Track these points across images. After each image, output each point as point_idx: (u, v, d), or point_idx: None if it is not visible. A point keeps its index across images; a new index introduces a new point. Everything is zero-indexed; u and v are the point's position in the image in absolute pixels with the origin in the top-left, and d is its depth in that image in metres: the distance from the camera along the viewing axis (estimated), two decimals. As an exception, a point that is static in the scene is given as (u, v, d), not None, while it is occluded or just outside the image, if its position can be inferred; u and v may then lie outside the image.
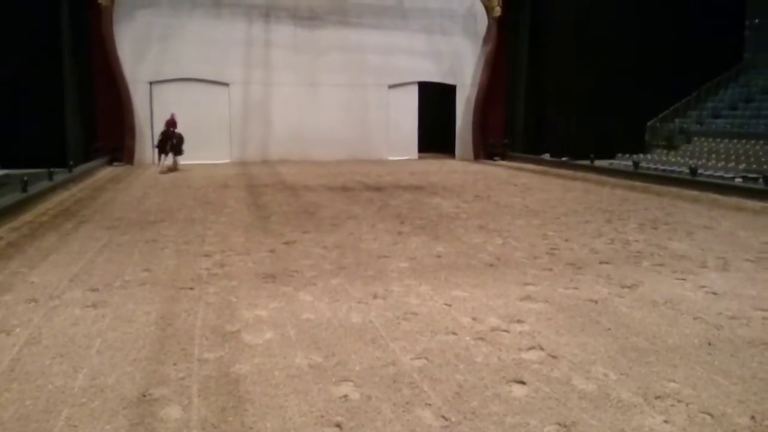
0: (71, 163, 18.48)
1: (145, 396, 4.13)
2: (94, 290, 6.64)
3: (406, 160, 26.76)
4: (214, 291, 6.65)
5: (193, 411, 3.93)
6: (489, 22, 26.76)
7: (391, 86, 26.95)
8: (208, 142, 24.48)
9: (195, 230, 10.29)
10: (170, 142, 21.09)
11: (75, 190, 15.62)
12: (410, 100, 27.31)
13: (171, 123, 21.31)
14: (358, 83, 26.47)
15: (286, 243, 9.25)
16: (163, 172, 20.30)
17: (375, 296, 6.50)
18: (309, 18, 25.79)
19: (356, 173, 20.45)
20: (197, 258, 8.25)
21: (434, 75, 27.39)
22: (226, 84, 25.10)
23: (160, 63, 24.06)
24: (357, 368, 4.62)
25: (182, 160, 22.27)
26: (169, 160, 21.34)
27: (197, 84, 24.59)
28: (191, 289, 6.74)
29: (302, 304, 6.21)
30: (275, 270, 7.59)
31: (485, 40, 27.03)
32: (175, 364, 4.66)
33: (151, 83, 24.10)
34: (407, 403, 4.07)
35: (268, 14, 25.37)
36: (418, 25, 26.88)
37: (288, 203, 13.57)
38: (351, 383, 4.35)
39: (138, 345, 5.05)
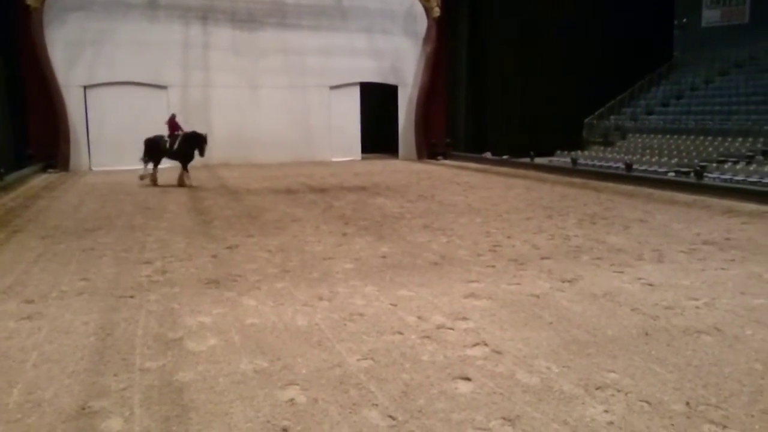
0: (2, 171, 17.78)
1: (84, 409, 4.01)
2: (29, 302, 6.41)
3: (350, 161, 26.74)
4: (156, 298, 6.51)
5: (135, 422, 3.84)
6: (429, 22, 26.97)
7: (332, 87, 26.89)
8: (147, 147, 23.97)
9: (135, 237, 10.05)
10: (202, 145, 16.92)
11: (6, 199, 15.05)
12: (352, 100, 27.29)
13: (174, 125, 17.83)
14: (299, 85, 26.31)
15: (228, 247, 9.13)
16: (185, 185, 17.20)
17: (320, 298, 6.47)
18: (248, 20, 25.51)
19: (299, 175, 20.34)
20: (137, 265, 8.07)
21: (375, 75, 27.45)
22: (163, 87, 24.61)
23: (94, 66, 23.41)
24: (303, 371, 4.59)
25: (119, 166, 21.73)
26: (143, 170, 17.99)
27: (134, 87, 24.02)
28: (131, 297, 6.58)
29: (246, 308, 6.14)
30: (218, 275, 7.48)
31: (425, 40, 27.22)
32: (115, 375, 4.55)
33: (85, 87, 23.43)
34: (354, 404, 4.07)
35: (205, 17, 24.99)
36: (357, 26, 26.89)
37: (230, 207, 13.40)
38: (297, 387, 4.33)
39: (76, 357, 4.91)
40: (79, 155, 23.25)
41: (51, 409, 4.01)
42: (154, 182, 17.56)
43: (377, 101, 28.68)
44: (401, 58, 27.68)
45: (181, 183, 17.34)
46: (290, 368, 4.65)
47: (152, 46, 23.94)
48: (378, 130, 29.24)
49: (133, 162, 22.93)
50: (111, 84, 23.70)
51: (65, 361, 4.81)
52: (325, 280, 7.23)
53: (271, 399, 4.14)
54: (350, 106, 27.25)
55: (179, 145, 17.12)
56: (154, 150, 17.52)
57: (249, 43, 25.48)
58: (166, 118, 18.36)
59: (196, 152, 17.14)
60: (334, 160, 26.61)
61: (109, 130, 23.54)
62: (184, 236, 10.07)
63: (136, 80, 24.02)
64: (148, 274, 7.59)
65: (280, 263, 8.11)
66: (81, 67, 23.22)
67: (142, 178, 17.92)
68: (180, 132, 17.50)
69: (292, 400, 4.13)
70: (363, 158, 27.59)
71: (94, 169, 23.27)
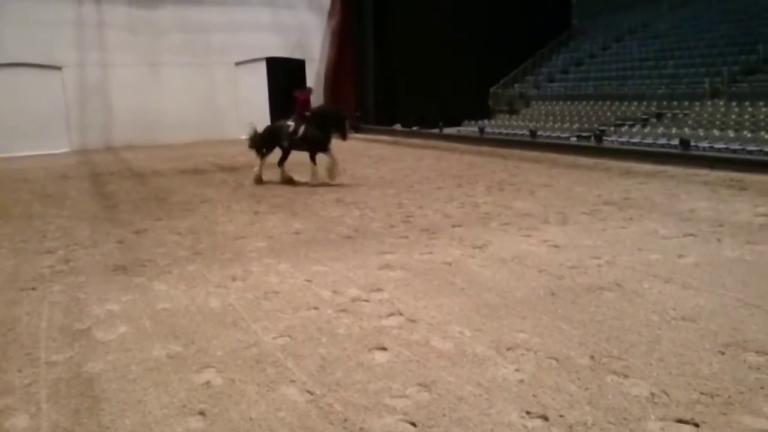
0: None
1: (-14, 408, 3.83)
2: None
3: (260, 138, 26.32)
4: (60, 289, 6.25)
5: (43, 417, 3.70)
6: (333, -6, 26.73)
7: (237, 63, 26.35)
8: (43, 131, 22.85)
9: (34, 226, 9.59)
10: (341, 124, 12.93)
11: None
12: (259, 76, 26.86)
13: (305, 100, 13.75)
14: (203, 62, 25.62)
15: (136, 232, 8.85)
16: (328, 179, 12.80)
17: (234, 279, 6.39)
18: (145, -3, 24.59)
19: (208, 155, 19.88)
20: (38, 256, 7.71)
21: (281, 50, 27.05)
22: (57, 68, 23.40)
23: (-22, 47, 22.02)
24: (218, 353, 4.53)
25: (14, 152, 20.59)
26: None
27: (24, 68, 22.74)
28: (33, 289, 6.29)
29: (157, 293, 5.99)
30: (126, 261, 7.25)
31: (330, 13, 27.01)
32: (19, 371, 4.35)
33: (-31, 69, 22.02)
34: (271, 382, 4.06)
35: (99, -7, 23.91)
36: (260, 0, 26.35)
37: (136, 190, 12.96)
38: (213, 369, 4.27)
39: (-25, 355, 4.66)
40: (-34, 143, 21.90)
41: (-51, 412, 3.81)
42: (258, 180, 13.33)
43: (285, 76, 28.25)
44: (307, 32, 27.39)
45: (332, 176, 12.84)
46: (205, 351, 4.58)
47: (43, 25, 22.70)
48: (287, 106, 28.79)
49: (30, 147, 21.89)
50: (-2, 65, 22.37)
51: (-37, 361, 4.56)
52: (238, 260, 7.13)
53: (187, 383, 4.07)
54: (257, 82, 26.83)
55: (307, 128, 12.88)
56: (270, 140, 13.50)
57: (147, 20, 24.59)
58: (300, 92, 14.03)
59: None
60: (244, 137, 26.03)
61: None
62: (87, 223, 9.68)
63: (26, 61, 22.73)
64: (50, 264, 7.27)
65: (191, 245, 7.94)
66: (-37, 48, 21.79)
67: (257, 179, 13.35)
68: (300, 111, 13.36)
69: (208, 382, 4.07)
70: (273, 135, 27.18)
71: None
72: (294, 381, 4.05)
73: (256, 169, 13.45)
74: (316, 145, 12.82)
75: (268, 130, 13.82)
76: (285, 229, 8.72)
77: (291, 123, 13.19)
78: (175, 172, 15.83)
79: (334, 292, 5.86)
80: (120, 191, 12.94)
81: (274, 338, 4.78)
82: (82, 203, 11.61)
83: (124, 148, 23.24)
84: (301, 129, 12.88)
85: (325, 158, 12.84)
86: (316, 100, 27.27)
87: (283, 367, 4.28)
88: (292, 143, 13.11)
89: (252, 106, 26.63)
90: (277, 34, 26.77)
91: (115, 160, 19.58)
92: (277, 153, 13.55)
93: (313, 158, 12.91)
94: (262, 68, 26.92)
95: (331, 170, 12.75)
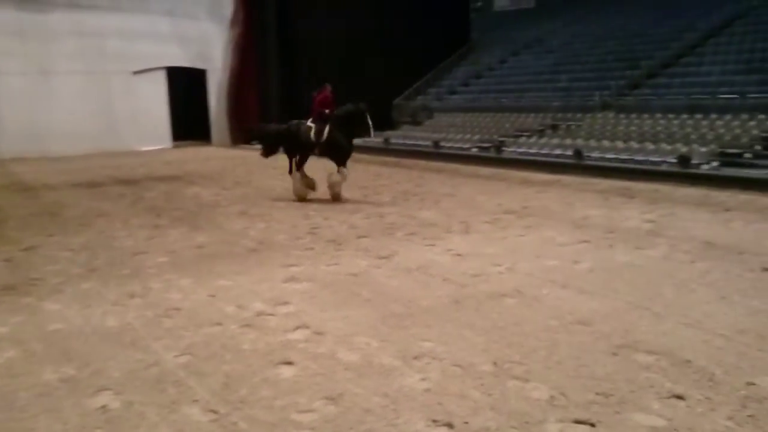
0: None
1: None
2: None
3: (160, 149, 25.56)
4: (-61, 312, 5.83)
5: None
6: (235, 4, 26.35)
7: (135, 72, 25.48)
8: None
9: None
10: (364, 123, 11.39)
11: None
12: (158, 86, 26.07)
13: (324, 99, 12.23)
14: (98, 70, 24.60)
15: (25, 249, 8.36)
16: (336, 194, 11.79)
17: (132, 296, 6.14)
18: (34, 0, 23.36)
19: (105, 167, 19.08)
20: None
21: (182, 60, 26.37)
22: (-66, 75, 21.93)
23: None
24: (116, 375, 4.34)
25: None
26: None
27: None
28: None
29: (48, 314, 5.68)
30: (14, 280, 6.83)
31: (232, 23, 26.62)
32: None
33: None
34: (173, 402, 3.92)
35: (-20, -4, 22.57)
36: (160, 9, 25.66)
37: (26, 205, 12.27)
38: (110, 391, 4.08)
39: None
40: None
41: None
42: (302, 192, 11.98)
43: (186, 86, 27.63)
44: (208, 42, 26.88)
45: (335, 194, 11.76)
46: (101, 373, 4.38)
47: None
48: (189, 117, 28.18)
49: None
50: None
51: None
52: (137, 276, 6.87)
53: (80, 408, 3.87)
54: (157, 92, 26.04)
55: (332, 131, 11.60)
56: (288, 143, 12.16)
57: (37, 25, 23.38)
58: (318, 91, 12.41)
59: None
60: (143, 149, 25.28)
61: None
62: (-29, 241, 9.08)
63: None
64: (-72, 286, 6.77)
65: (86, 262, 7.59)
66: None
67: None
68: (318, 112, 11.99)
69: (104, 406, 3.89)
70: (174, 146, 26.48)
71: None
72: (197, 400, 3.93)
73: (295, 183, 12.04)
74: (342, 153, 11.72)
75: (284, 130, 12.33)
76: (187, 243, 8.49)
77: (310, 124, 11.88)
78: (69, 185, 15.09)
79: (239, 306, 5.74)
80: (7, 206, 12.20)
81: (175, 357, 4.63)
82: (-35, 219, 10.89)
83: (13, 160, 21.92)
84: (326, 132, 11.59)
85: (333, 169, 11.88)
86: (220, 110, 26.92)
87: (185, 386, 4.14)
88: (315, 147, 11.84)
89: (151, 116, 25.87)
90: (177, 43, 26.11)
91: (2, 173, 18.47)
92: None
93: (339, 164, 11.77)
94: (161, 78, 26.17)
95: (337, 185, 11.70)
